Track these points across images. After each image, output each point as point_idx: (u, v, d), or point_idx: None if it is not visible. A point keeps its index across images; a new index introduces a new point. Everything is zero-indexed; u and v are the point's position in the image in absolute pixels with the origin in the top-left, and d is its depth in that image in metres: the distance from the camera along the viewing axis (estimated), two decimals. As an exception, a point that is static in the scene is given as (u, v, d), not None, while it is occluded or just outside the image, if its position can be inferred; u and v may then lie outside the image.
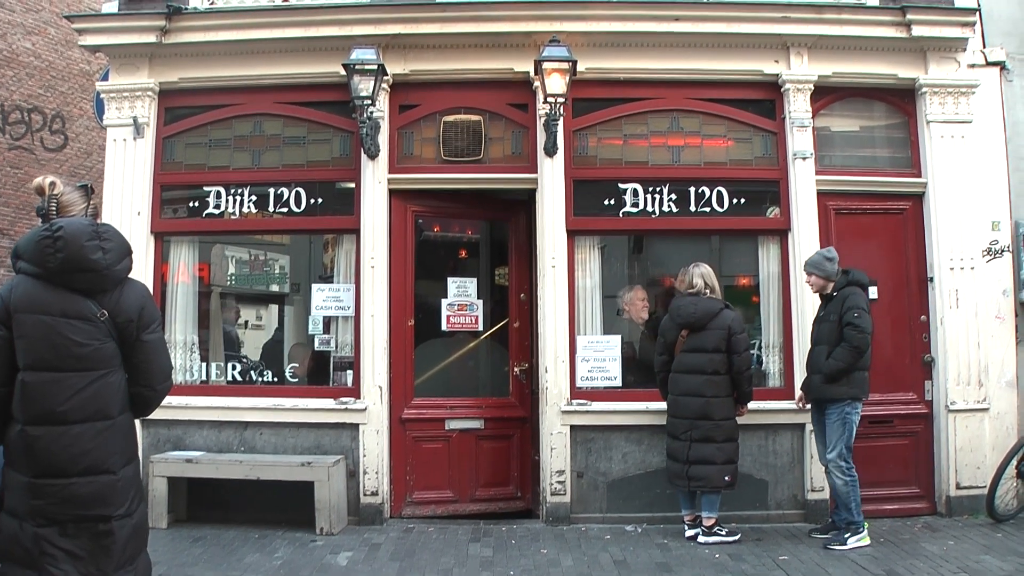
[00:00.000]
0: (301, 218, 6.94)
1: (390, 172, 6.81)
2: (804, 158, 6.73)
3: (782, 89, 6.81)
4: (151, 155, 6.91)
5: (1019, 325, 6.88)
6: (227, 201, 6.96)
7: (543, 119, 6.63)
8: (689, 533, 6.02)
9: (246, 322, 7.93)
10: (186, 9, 6.85)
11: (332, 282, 7.03)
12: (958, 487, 6.54)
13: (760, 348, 6.86)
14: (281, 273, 7.82)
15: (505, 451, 7.01)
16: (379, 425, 6.57)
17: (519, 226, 7.26)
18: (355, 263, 6.82)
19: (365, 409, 6.54)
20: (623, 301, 7.10)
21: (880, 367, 6.34)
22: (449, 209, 7.29)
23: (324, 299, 6.91)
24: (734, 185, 6.88)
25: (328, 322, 6.94)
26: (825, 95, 6.91)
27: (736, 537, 5.89)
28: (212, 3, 7.00)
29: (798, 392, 6.33)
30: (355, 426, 6.56)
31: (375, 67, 6.35)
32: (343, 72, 6.37)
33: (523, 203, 7.13)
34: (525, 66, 6.66)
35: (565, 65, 6.29)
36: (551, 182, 6.69)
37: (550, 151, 6.65)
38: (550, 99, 6.37)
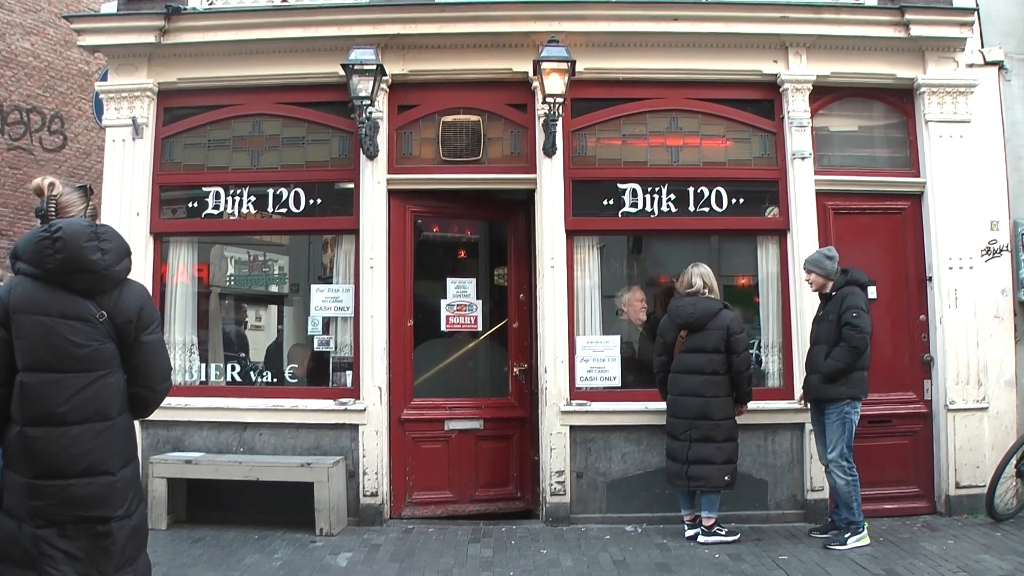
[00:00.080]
0: (300, 219, 6.94)
1: (389, 172, 6.81)
2: (803, 158, 6.74)
3: (781, 89, 6.82)
4: (150, 155, 6.91)
5: (1018, 324, 6.89)
6: (226, 201, 6.96)
7: (542, 119, 6.63)
8: (689, 533, 6.02)
9: (245, 323, 7.92)
10: (185, 9, 6.84)
11: (331, 283, 7.03)
12: (957, 486, 6.55)
13: (759, 348, 6.86)
14: (280, 274, 7.81)
15: (504, 451, 7.01)
16: (378, 426, 6.56)
17: (518, 226, 7.26)
18: (354, 263, 6.81)
19: (364, 410, 6.54)
20: (621, 302, 7.10)
21: (879, 367, 6.34)
22: (448, 209, 7.29)
23: (323, 300, 6.91)
24: (733, 185, 6.88)
25: (327, 323, 6.93)
26: (824, 95, 6.91)
27: (736, 537, 5.89)
28: (211, 3, 7.00)
29: (798, 392, 6.33)
30: (354, 427, 6.56)
31: (374, 67, 6.35)
32: (342, 72, 6.37)
33: (522, 203, 7.13)
34: (524, 66, 6.66)
35: (564, 65, 6.30)
36: (550, 182, 6.69)
37: (549, 151, 6.65)
38: (549, 99, 6.37)
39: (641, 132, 6.95)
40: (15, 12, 11.49)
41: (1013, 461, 6.36)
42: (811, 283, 6.04)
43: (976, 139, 6.86)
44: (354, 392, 6.64)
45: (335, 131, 6.94)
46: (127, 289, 3.01)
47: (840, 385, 5.75)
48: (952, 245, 6.71)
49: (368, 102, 6.40)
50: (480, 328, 7.17)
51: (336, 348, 6.89)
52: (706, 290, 6.04)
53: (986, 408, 6.65)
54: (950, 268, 6.69)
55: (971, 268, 6.72)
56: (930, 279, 6.77)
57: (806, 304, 6.50)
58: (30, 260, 2.88)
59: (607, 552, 5.74)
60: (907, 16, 6.66)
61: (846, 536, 5.72)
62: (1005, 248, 6.89)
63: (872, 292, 6.38)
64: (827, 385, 5.79)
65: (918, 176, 6.88)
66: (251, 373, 7.10)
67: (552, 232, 6.66)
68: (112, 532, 2.90)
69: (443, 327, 7.05)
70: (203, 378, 6.99)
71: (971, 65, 6.95)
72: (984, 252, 6.85)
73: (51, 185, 2.99)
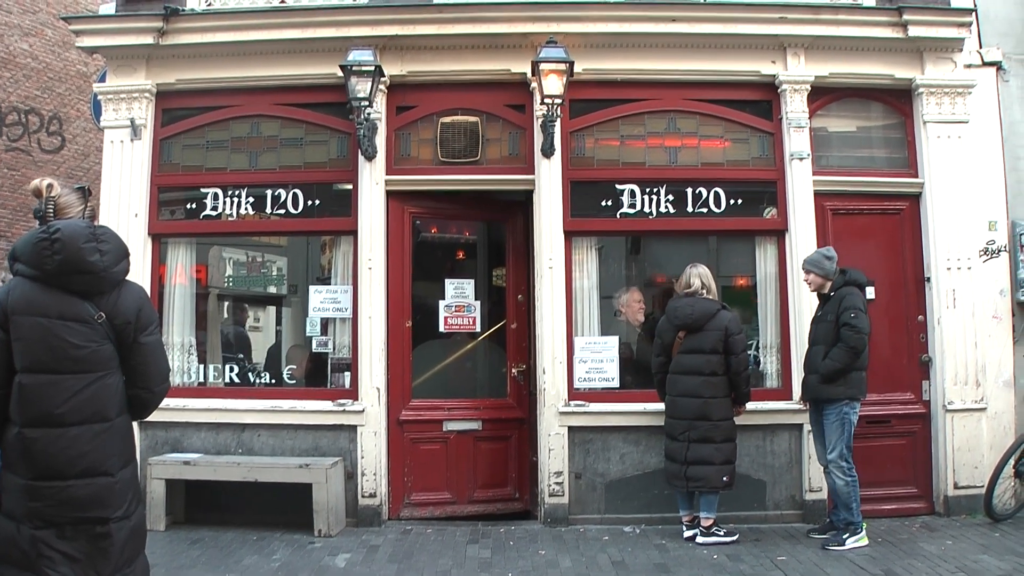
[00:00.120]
0: (298, 220, 6.94)
1: (387, 173, 6.81)
2: (801, 159, 6.74)
3: (779, 90, 6.82)
4: (148, 157, 6.91)
5: (1016, 325, 6.90)
6: (224, 203, 6.96)
7: (540, 120, 6.63)
8: (687, 534, 6.01)
9: (244, 324, 7.91)
10: (183, 11, 6.85)
11: (330, 284, 7.03)
12: (956, 487, 6.55)
13: (757, 349, 6.86)
14: (279, 275, 7.81)
15: (503, 452, 7.01)
16: (377, 427, 6.56)
17: (516, 227, 7.26)
18: (352, 265, 6.81)
19: (363, 411, 6.54)
20: (619, 303, 7.10)
21: (877, 367, 6.35)
22: (446, 210, 7.29)
23: (321, 301, 6.91)
24: (731, 186, 6.88)
25: (326, 324, 6.93)
26: (822, 96, 6.92)
27: (734, 538, 5.89)
28: (209, 4, 7.00)
29: (797, 393, 6.34)
30: (353, 428, 6.56)
31: (372, 68, 6.35)
32: (340, 73, 6.37)
33: (520, 204, 7.13)
34: (522, 67, 6.66)
35: (562, 66, 6.30)
36: (548, 183, 6.69)
37: (547, 152, 6.65)
38: (547, 100, 6.37)
39: (639, 133, 6.95)
40: (13, 13, 11.50)
41: (1011, 461, 6.37)
42: (810, 283, 6.04)
43: (974, 140, 6.87)
44: (352, 393, 6.64)
45: (333, 132, 6.94)
46: (125, 290, 3.01)
47: (838, 385, 5.75)
48: (950, 245, 6.72)
49: (366, 103, 6.39)
50: (478, 329, 7.17)
51: (334, 349, 6.89)
52: (704, 291, 6.04)
53: (984, 408, 6.65)
54: (948, 268, 6.70)
55: (969, 268, 6.72)
56: (928, 279, 6.78)
57: (804, 305, 6.50)
58: (29, 261, 2.87)
59: (605, 553, 5.74)
60: (905, 17, 6.66)
61: (844, 537, 5.73)
62: (1003, 248, 6.90)
63: (870, 292, 6.37)
64: (825, 385, 5.79)
65: (916, 177, 6.88)
66: (249, 374, 7.10)
67: (550, 233, 6.66)
68: (111, 533, 2.89)
69: (441, 328, 7.05)
70: (201, 379, 6.99)
71: (969, 66, 6.96)
72: (982, 252, 6.85)
73: (49, 186, 2.99)
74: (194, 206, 7.00)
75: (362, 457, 6.52)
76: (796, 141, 6.75)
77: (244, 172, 7.01)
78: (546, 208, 6.68)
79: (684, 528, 6.07)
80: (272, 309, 8.17)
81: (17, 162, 11.49)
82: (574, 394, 6.63)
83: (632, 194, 6.83)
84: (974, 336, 6.68)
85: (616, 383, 6.73)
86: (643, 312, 7.08)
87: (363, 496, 6.50)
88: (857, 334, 5.67)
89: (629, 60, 6.81)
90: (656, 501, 6.46)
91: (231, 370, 7.03)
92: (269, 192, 6.93)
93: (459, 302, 7.06)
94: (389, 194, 6.82)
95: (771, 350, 6.84)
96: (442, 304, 7.03)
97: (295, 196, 6.90)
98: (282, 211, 6.93)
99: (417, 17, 6.74)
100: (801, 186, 6.73)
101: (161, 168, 7.00)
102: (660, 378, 6.15)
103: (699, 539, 5.90)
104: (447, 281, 7.11)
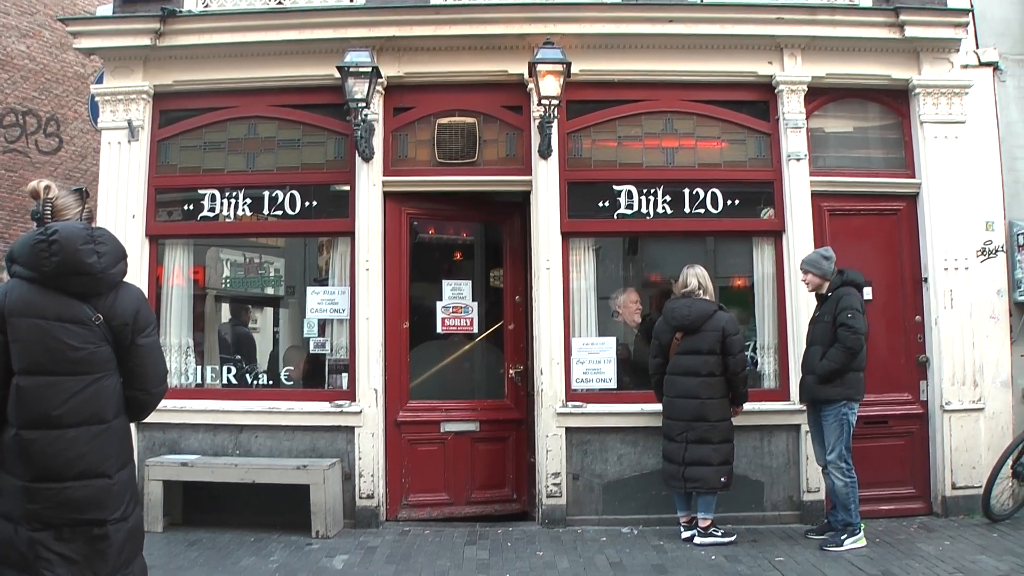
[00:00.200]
0: (296, 221, 6.94)
1: (384, 175, 6.81)
2: (798, 159, 6.75)
3: (776, 90, 6.83)
4: (146, 158, 6.90)
5: (1013, 325, 6.90)
6: (222, 204, 6.96)
7: (537, 121, 6.63)
8: (685, 535, 6.01)
9: (241, 325, 7.89)
10: (180, 12, 6.84)
11: (327, 285, 7.03)
12: (954, 487, 6.56)
13: (755, 349, 6.86)
14: (276, 276, 7.81)
15: (501, 453, 7.01)
16: (374, 428, 6.56)
17: (514, 228, 7.26)
18: (350, 266, 6.81)
19: (360, 412, 6.53)
20: (616, 304, 7.11)
21: (875, 368, 6.35)
22: (444, 211, 7.28)
23: (319, 302, 6.90)
24: (728, 187, 6.89)
25: (323, 325, 6.93)
26: (819, 96, 6.92)
27: (732, 538, 5.90)
28: (207, 6, 7.00)
29: (795, 393, 6.34)
30: (350, 429, 6.55)
31: (369, 69, 6.35)
32: (337, 75, 6.37)
33: (518, 205, 7.14)
34: (519, 68, 6.67)
35: (559, 67, 6.30)
36: (545, 184, 6.69)
37: (544, 153, 6.65)
38: (544, 101, 6.38)
39: (636, 134, 6.95)
40: (11, 15, 11.49)
41: (1009, 462, 6.37)
42: (807, 283, 6.05)
43: (971, 140, 6.88)
44: (350, 394, 6.63)
45: (331, 133, 6.94)
46: (123, 292, 3.00)
47: (836, 386, 5.75)
48: (948, 246, 6.73)
49: (364, 104, 6.39)
50: (476, 330, 7.16)
51: (332, 350, 6.89)
52: (701, 292, 6.04)
53: (982, 409, 6.66)
54: (946, 269, 6.70)
55: (967, 269, 6.73)
56: (926, 280, 6.78)
57: (801, 305, 6.51)
58: (26, 263, 2.87)
59: (603, 554, 5.74)
60: (902, 17, 6.67)
61: (842, 537, 5.73)
62: (1000, 249, 6.91)
63: (868, 293, 6.37)
64: (823, 386, 5.79)
65: (913, 177, 6.89)
66: (247, 375, 7.09)
67: (548, 234, 6.66)
68: (108, 535, 2.89)
69: (439, 329, 7.05)
70: (199, 380, 6.98)
71: (966, 66, 6.98)
72: (980, 253, 6.87)
73: (47, 188, 2.99)
74: (191, 207, 6.99)
75: (360, 458, 6.52)
76: (793, 142, 6.76)
77: (241, 173, 7.00)
78: (543, 209, 6.68)
79: (682, 529, 6.06)
80: (269, 310, 8.17)
81: (14, 164, 11.49)
82: (572, 395, 6.63)
83: (629, 195, 6.83)
84: (972, 336, 6.68)
85: (613, 384, 6.73)
86: (640, 313, 7.08)
87: (361, 497, 6.50)
88: (854, 335, 5.68)
89: (626, 61, 6.81)
90: (654, 502, 6.46)
91: (228, 371, 7.03)
92: (266, 193, 6.93)
93: (456, 303, 7.06)
94: (386, 195, 6.81)
95: (768, 351, 6.84)
96: (439, 305, 7.03)
97: (292, 197, 6.90)
98: (279, 212, 6.93)
99: (414, 18, 6.74)
100: (798, 187, 6.73)
101: (158, 169, 6.99)
102: (658, 379, 6.14)
103: (697, 540, 5.90)
104: (444, 282, 7.10)
